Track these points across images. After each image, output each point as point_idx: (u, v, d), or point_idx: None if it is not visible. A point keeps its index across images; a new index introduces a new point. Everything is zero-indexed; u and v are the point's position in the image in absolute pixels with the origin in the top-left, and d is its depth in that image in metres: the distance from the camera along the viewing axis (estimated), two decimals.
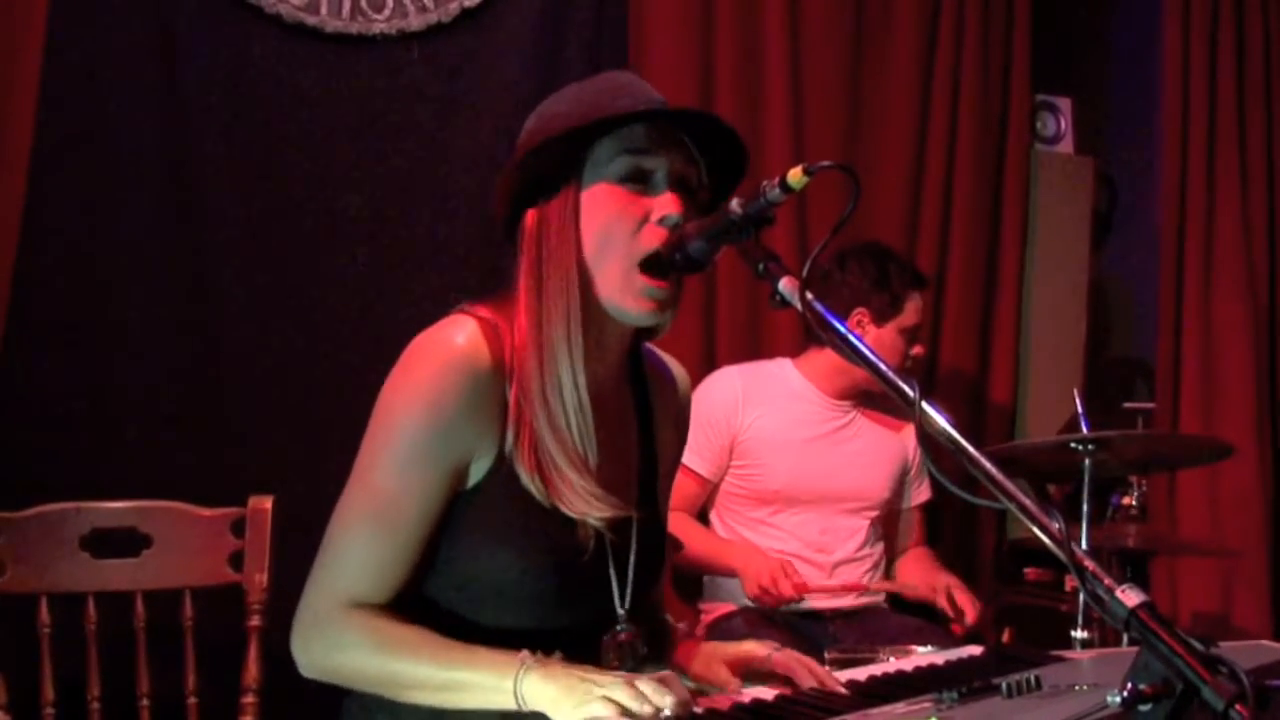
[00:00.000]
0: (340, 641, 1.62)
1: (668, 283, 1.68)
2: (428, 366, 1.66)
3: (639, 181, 1.69)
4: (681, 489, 3.37)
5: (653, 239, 1.67)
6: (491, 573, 1.67)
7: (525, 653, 1.56)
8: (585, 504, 1.67)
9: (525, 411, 1.67)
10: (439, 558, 1.69)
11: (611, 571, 1.76)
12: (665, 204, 1.67)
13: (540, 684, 1.52)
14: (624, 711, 1.44)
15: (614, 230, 1.68)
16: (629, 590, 1.78)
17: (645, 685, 1.47)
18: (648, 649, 1.81)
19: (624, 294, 1.69)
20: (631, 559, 1.78)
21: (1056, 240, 4.53)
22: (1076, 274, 4.59)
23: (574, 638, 1.68)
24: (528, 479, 1.66)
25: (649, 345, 1.95)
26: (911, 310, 3.38)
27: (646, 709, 1.44)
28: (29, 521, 2.32)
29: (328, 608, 1.63)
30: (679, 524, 3.32)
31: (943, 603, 3.24)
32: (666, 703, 1.45)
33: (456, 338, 1.67)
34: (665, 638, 1.96)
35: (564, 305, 1.67)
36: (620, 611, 1.77)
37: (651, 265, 1.67)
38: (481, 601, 1.69)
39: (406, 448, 1.64)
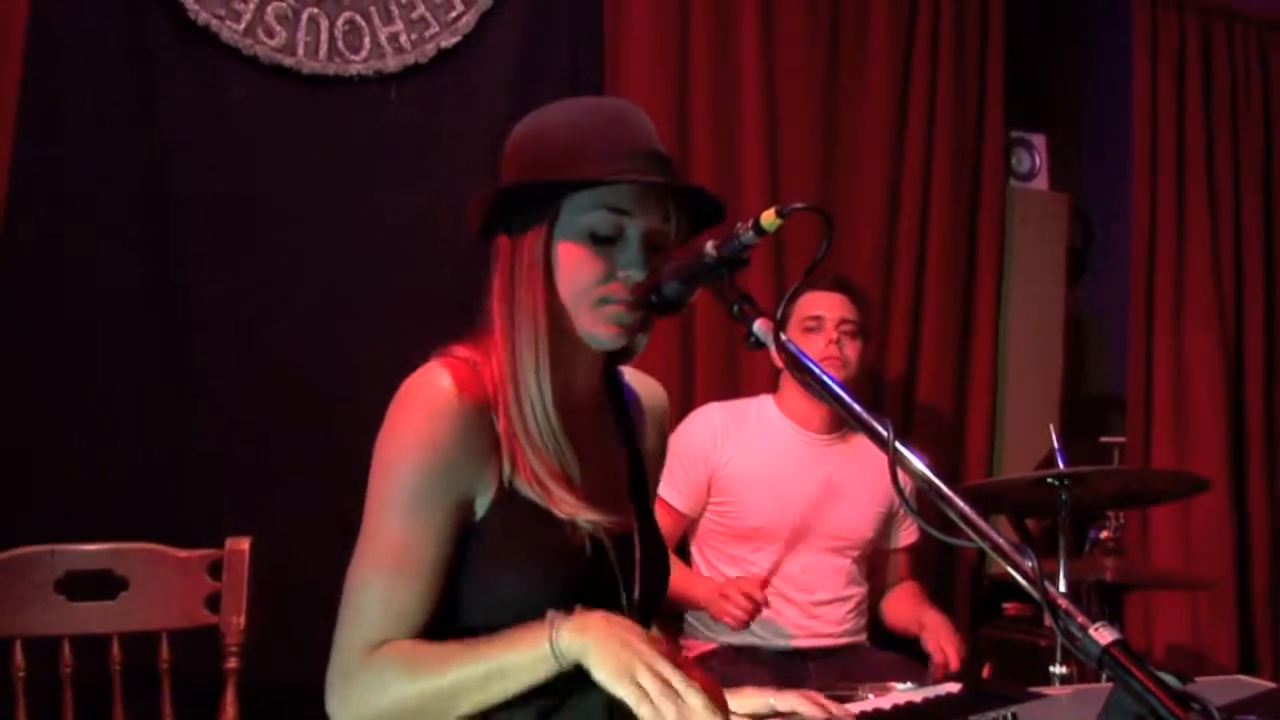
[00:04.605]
0: (375, 683, 1.63)
1: (628, 307, 1.73)
2: (417, 415, 1.70)
3: (611, 238, 1.73)
4: (659, 521, 3.39)
5: (615, 292, 1.73)
6: (514, 594, 1.70)
7: (550, 611, 1.59)
8: (574, 509, 1.71)
9: (510, 431, 1.72)
10: (461, 599, 1.72)
11: (620, 581, 1.80)
12: (631, 263, 1.72)
13: (576, 637, 1.55)
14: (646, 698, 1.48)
15: (579, 280, 1.73)
16: (637, 600, 1.81)
17: (679, 682, 1.50)
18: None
19: (594, 324, 1.74)
20: (637, 570, 1.82)
21: (1032, 277, 4.55)
22: (1052, 310, 4.62)
23: None
24: (530, 492, 1.71)
25: (622, 368, 1.99)
26: (807, 304, 3.36)
27: (670, 712, 1.47)
28: (2, 565, 2.31)
29: (357, 661, 1.65)
30: None
31: (927, 643, 3.24)
32: (697, 704, 1.48)
33: (440, 382, 1.71)
34: None
35: (531, 334, 1.73)
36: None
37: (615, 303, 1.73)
38: (503, 628, 1.68)
39: (409, 496, 1.67)
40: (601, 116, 1.77)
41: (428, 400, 1.70)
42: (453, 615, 1.72)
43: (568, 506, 1.71)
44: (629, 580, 1.81)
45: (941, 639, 3.21)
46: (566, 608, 1.64)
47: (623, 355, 1.90)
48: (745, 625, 3.08)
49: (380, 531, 1.68)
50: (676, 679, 1.50)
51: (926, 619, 3.32)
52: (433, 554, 1.68)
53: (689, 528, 3.43)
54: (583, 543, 1.73)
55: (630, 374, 2.03)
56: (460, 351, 1.77)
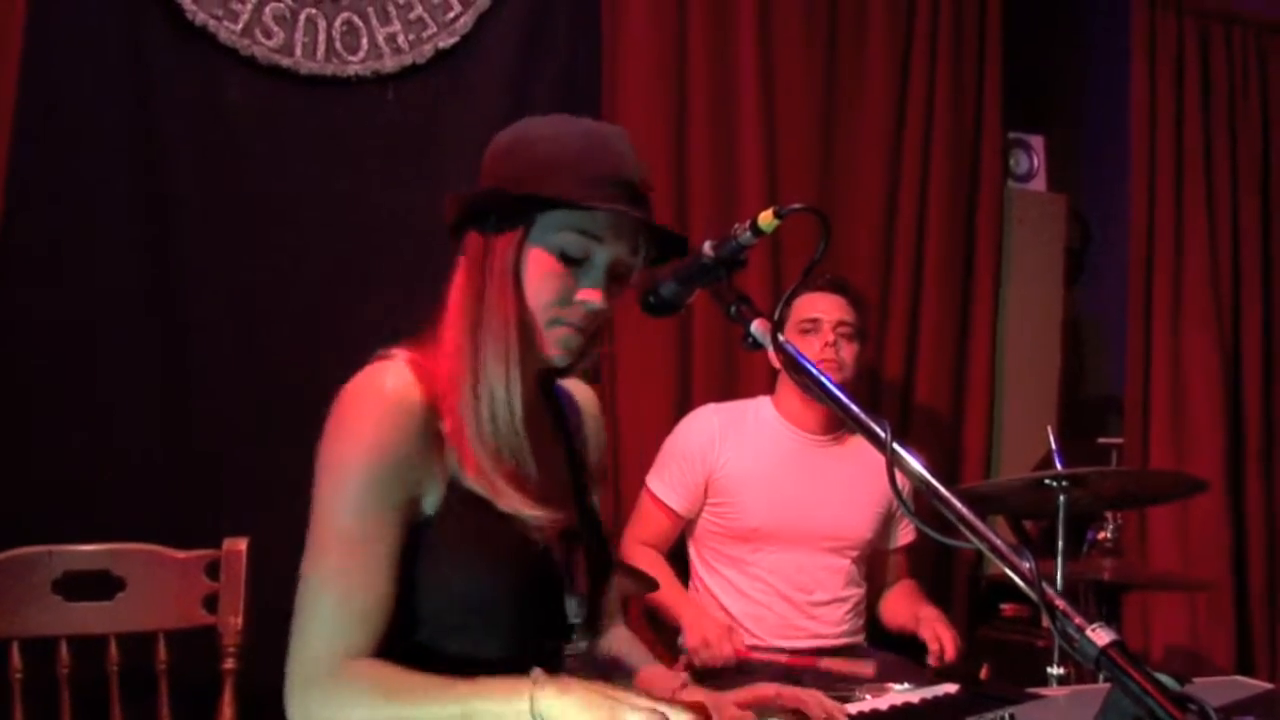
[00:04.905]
0: (345, 699, 1.61)
1: (577, 330, 1.77)
2: (364, 415, 1.70)
3: (578, 260, 1.75)
4: (653, 523, 3.40)
5: (572, 315, 1.75)
6: (463, 589, 1.71)
7: (536, 670, 1.57)
8: (522, 504, 1.72)
9: (462, 427, 1.72)
10: (414, 598, 1.71)
11: (565, 579, 1.81)
12: (591, 293, 1.75)
13: (557, 698, 1.53)
14: None
15: (540, 294, 1.74)
16: (581, 602, 1.82)
17: (674, 715, 1.50)
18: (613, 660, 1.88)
19: (542, 339, 1.76)
20: (580, 571, 1.83)
21: (1030, 278, 4.56)
22: (1050, 311, 4.62)
23: (536, 660, 1.68)
24: (476, 486, 1.71)
25: None
26: (801, 306, 3.35)
27: None
28: (0, 565, 2.30)
29: (323, 667, 1.63)
30: (650, 563, 3.32)
31: (924, 635, 3.25)
32: None
33: (385, 382, 1.72)
34: (629, 661, 2.01)
35: (503, 335, 1.73)
36: (573, 618, 1.81)
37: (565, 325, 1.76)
38: (448, 633, 1.72)
39: (359, 495, 1.67)
40: (588, 140, 1.78)
41: (373, 401, 1.71)
42: (408, 614, 1.71)
43: (516, 502, 1.71)
44: (573, 578, 1.82)
45: (938, 629, 3.22)
46: (515, 604, 1.69)
47: (566, 370, 1.91)
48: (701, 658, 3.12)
49: (331, 534, 1.67)
50: (660, 709, 1.50)
51: (923, 613, 3.33)
52: (385, 554, 1.67)
53: (686, 528, 3.43)
54: (530, 539, 1.74)
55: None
56: (401, 353, 1.78)
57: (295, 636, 1.66)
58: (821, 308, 3.35)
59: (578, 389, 2.07)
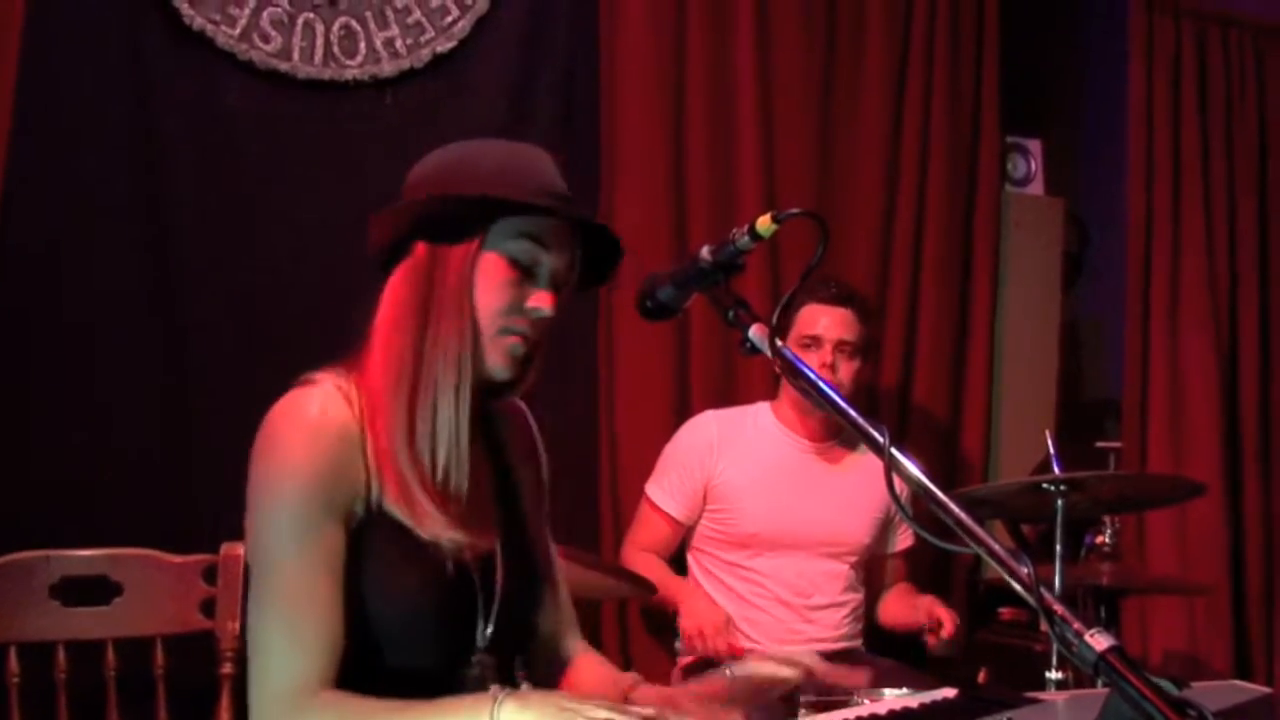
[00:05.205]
0: None
1: (524, 340, 1.76)
2: (292, 443, 1.68)
3: (528, 267, 1.76)
4: (653, 530, 3.40)
5: (519, 323, 1.75)
6: (381, 614, 1.70)
7: (496, 687, 1.57)
8: (436, 524, 1.69)
9: (384, 446, 1.70)
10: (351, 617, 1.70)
11: (479, 603, 1.78)
12: (541, 299, 1.76)
13: (517, 712, 1.53)
14: None
15: (493, 300, 1.74)
16: (492, 622, 1.79)
17: (620, 713, 1.51)
18: (526, 681, 1.84)
19: (490, 351, 1.75)
20: (498, 590, 1.80)
21: (1027, 281, 4.55)
22: (1048, 315, 4.62)
23: (455, 678, 1.71)
24: (395, 509, 1.70)
25: None
26: (806, 318, 3.33)
27: None
28: None
29: (284, 706, 1.61)
30: (646, 565, 3.32)
31: (921, 619, 3.25)
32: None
33: (311, 409, 1.71)
34: (553, 672, 2.00)
35: (455, 348, 1.72)
36: (480, 642, 1.78)
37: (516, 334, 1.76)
38: (381, 642, 1.71)
39: (293, 523, 1.65)
40: (521, 155, 1.82)
41: (301, 428, 1.69)
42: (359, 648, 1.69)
43: (435, 526, 1.69)
44: (488, 608, 1.79)
45: (935, 609, 3.23)
46: (427, 625, 1.69)
47: (502, 393, 1.88)
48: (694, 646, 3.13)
49: (271, 569, 1.65)
50: (618, 713, 1.51)
51: (920, 601, 3.35)
52: (327, 580, 1.65)
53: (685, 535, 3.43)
54: (443, 562, 1.72)
55: None
56: (325, 377, 1.77)
57: (252, 677, 1.64)
58: (824, 324, 3.33)
59: (512, 405, 2.03)
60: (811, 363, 3.27)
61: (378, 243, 1.82)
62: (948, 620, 3.18)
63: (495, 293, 1.74)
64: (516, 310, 1.74)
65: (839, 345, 3.32)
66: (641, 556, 3.38)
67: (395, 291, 1.78)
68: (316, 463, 1.66)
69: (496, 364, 1.76)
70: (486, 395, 1.84)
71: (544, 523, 2.03)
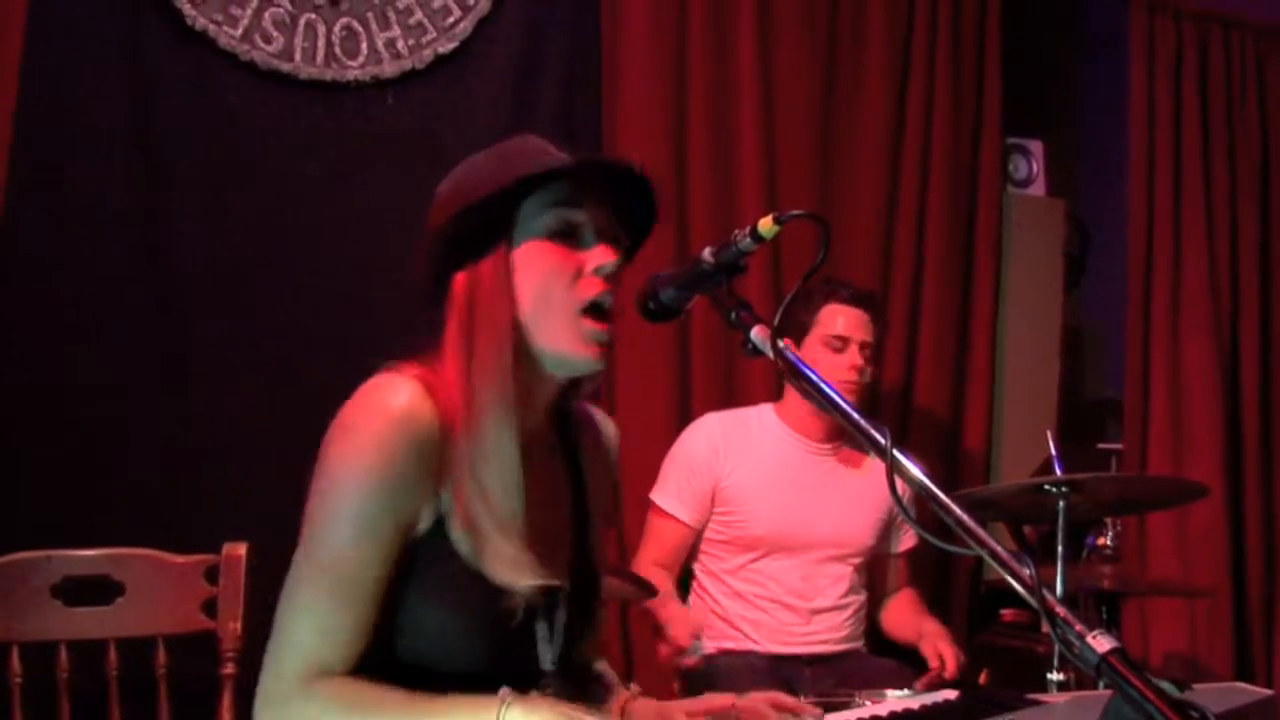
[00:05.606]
0: (309, 715, 1.59)
1: (608, 325, 1.69)
2: (370, 429, 1.63)
3: (569, 236, 1.69)
4: (665, 539, 3.34)
5: (591, 289, 1.67)
6: (425, 632, 1.66)
7: (505, 689, 1.56)
8: (513, 572, 1.64)
9: (455, 473, 1.65)
10: (391, 624, 1.67)
11: (539, 630, 1.74)
12: (599, 255, 1.68)
13: (523, 716, 1.52)
14: None
15: (552, 284, 1.68)
16: (557, 649, 1.76)
17: None
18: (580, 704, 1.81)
19: (571, 340, 1.68)
20: (560, 619, 1.76)
21: (1029, 283, 4.56)
22: (1049, 316, 4.63)
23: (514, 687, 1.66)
24: (458, 539, 1.65)
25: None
26: (827, 318, 3.30)
27: None
28: None
29: (291, 685, 1.59)
30: (657, 580, 3.27)
31: (927, 651, 3.24)
32: None
33: (397, 398, 1.64)
34: (601, 693, 1.96)
35: (497, 363, 1.66)
36: (547, 669, 1.75)
37: (594, 310, 1.68)
38: (420, 656, 1.67)
39: (355, 515, 1.61)
40: (521, 145, 1.76)
41: (382, 416, 1.63)
42: (393, 625, 1.67)
43: (504, 567, 1.64)
44: (550, 627, 1.75)
45: (940, 646, 3.20)
46: (482, 650, 1.65)
47: (578, 392, 1.84)
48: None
49: (323, 550, 1.62)
50: None
51: (925, 628, 3.32)
52: (375, 579, 1.62)
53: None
54: (510, 605, 1.67)
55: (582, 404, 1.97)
56: (409, 368, 1.70)
57: (271, 651, 1.62)
58: (851, 325, 3.32)
59: (601, 417, 1.99)
60: (841, 364, 3.28)
61: (422, 285, 1.77)
62: (951, 663, 3.16)
63: (549, 276, 1.68)
64: (578, 279, 1.68)
65: (863, 347, 3.32)
66: (655, 574, 3.27)
67: (448, 331, 1.72)
68: (390, 460, 1.61)
69: (582, 355, 1.69)
70: (565, 395, 1.81)
71: (602, 544, 1.99)
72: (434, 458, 1.64)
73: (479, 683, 1.60)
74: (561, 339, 1.68)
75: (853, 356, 3.30)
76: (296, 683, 1.59)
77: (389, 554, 1.63)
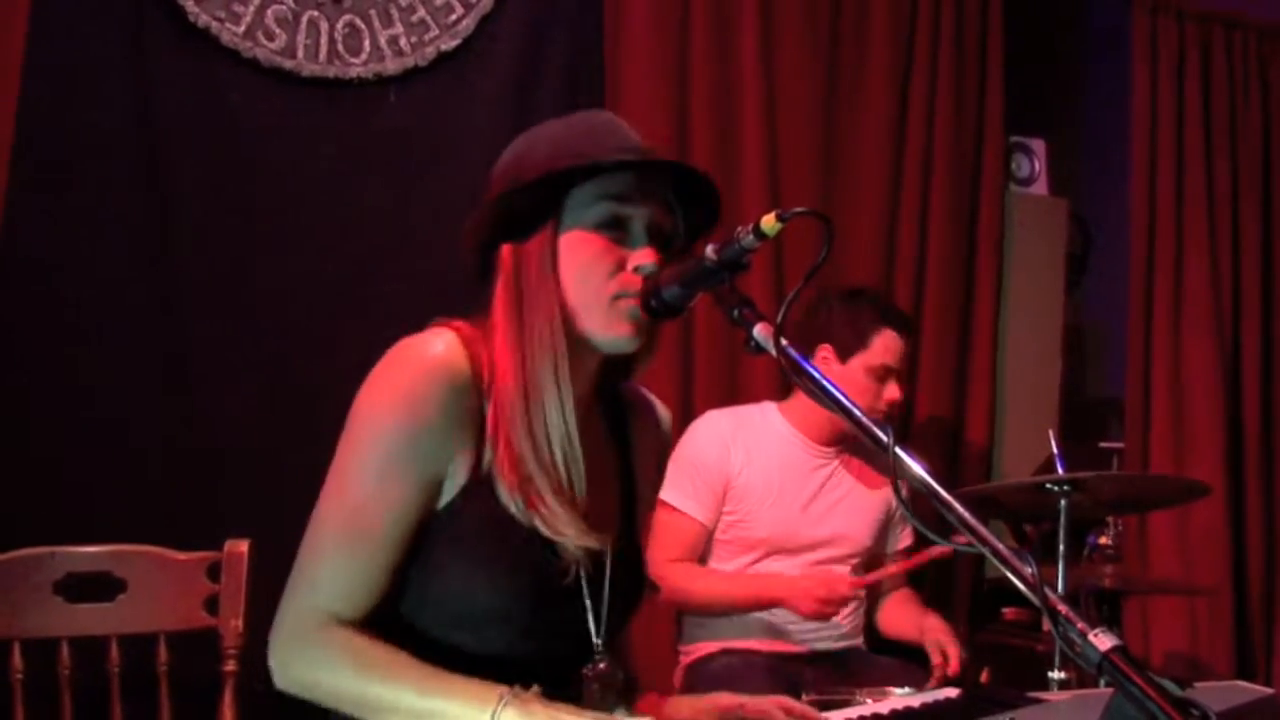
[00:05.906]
0: (320, 660, 1.61)
1: (644, 301, 1.69)
2: (406, 374, 1.65)
3: (617, 229, 1.69)
4: (682, 537, 3.30)
5: (628, 284, 1.68)
6: (466, 594, 1.66)
7: (504, 688, 1.56)
8: (566, 528, 1.66)
9: (505, 431, 1.66)
10: (411, 578, 1.68)
11: (588, 601, 1.75)
12: (642, 255, 1.68)
13: (518, 715, 1.52)
14: None
15: (591, 274, 1.68)
16: (604, 622, 1.77)
17: None
18: (624, 685, 1.81)
19: (607, 322, 1.69)
20: (607, 590, 1.77)
21: (1031, 282, 4.56)
22: (1051, 315, 4.63)
23: (546, 666, 1.67)
24: (508, 498, 1.65)
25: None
26: (880, 347, 3.29)
27: None
28: (1, 566, 2.30)
29: (307, 624, 1.62)
30: (687, 574, 3.26)
31: (930, 648, 3.23)
32: None
33: (435, 346, 1.66)
34: (633, 683, 1.95)
35: (549, 339, 1.67)
36: (596, 642, 1.76)
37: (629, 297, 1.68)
38: (454, 624, 1.68)
39: (382, 457, 1.62)
40: (590, 123, 1.77)
41: (419, 362, 1.65)
42: (402, 596, 1.68)
43: (562, 527, 1.66)
44: (597, 599, 1.76)
45: (943, 642, 3.20)
46: (520, 617, 1.65)
47: (626, 371, 1.86)
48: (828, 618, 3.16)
49: (348, 493, 1.64)
50: None
51: (927, 623, 3.31)
52: (396, 523, 1.63)
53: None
54: (547, 556, 1.69)
55: (636, 386, 1.99)
56: (457, 324, 1.72)
57: (291, 587, 1.64)
58: (898, 355, 3.33)
59: (654, 403, 2.00)
60: (883, 395, 3.30)
61: (469, 256, 1.78)
62: (954, 659, 3.16)
63: (590, 266, 1.68)
64: (619, 270, 1.68)
65: (899, 376, 3.36)
66: (680, 567, 3.27)
67: (496, 301, 1.73)
68: (422, 405, 1.63)
69: (621, 334, 1.70)
70: (614, 377, 1.82)
71: (649, 525, 2.00)
72: (468, 411, 1.66)
73: (495, 666, 1.61)
74: (600, 323, 1.70)
75: (892, 390, 3.31)
76: (312, 623, 1.61)
77: (414, 501, 1.64)
